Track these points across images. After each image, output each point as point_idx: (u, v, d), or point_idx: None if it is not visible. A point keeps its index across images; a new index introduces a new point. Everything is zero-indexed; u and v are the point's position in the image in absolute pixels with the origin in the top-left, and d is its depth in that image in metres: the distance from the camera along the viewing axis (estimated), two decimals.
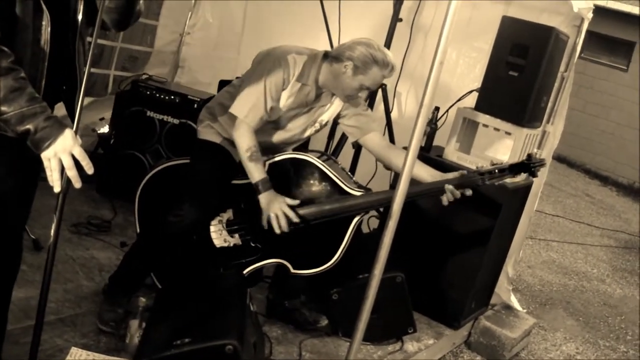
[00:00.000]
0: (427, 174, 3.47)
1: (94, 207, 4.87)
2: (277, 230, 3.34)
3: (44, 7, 2.25)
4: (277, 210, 3.31)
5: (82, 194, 4.82)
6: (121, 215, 4.82)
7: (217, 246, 3.57)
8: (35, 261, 3.82)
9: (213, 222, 3.56)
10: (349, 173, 3.73)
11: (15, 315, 3.11)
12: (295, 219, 3.34)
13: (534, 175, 3.63)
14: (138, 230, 3.75)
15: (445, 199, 3.39)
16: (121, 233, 4.56)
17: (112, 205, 4.94)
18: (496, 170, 3.44)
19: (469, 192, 3.38)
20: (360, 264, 3.62)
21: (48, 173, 2.19)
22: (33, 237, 4.02)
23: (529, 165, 3.51)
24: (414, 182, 3.36)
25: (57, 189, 2.20)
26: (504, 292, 5.06)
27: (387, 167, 3.71)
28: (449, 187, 3.35)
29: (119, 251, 4.24)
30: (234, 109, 3.36)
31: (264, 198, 3.32)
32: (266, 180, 3.33)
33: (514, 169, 3.48)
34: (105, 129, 5.39)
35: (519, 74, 4.18)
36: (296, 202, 3.39)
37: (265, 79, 3.32)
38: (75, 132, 2.21)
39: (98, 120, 5.50)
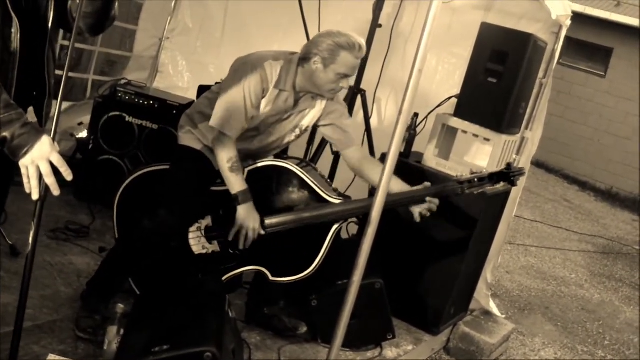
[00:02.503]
0: (397, 187, 3.45)
1: (72, 212, 4.84)
2: (241, 247, 3.38)
3: (12, 14, 2.25)
4: (250, 228, 3.35)
5: (60, 199, 4.74)
6: (99, 221, 4.79)
7: (196, 253, 3.56)
8: (12, 267, 3.78)
9: (191, 229, 3.54)
10: (328, 180, 3.73)
11: None
12: (262, 232, 3.37)
13: (513, 184, 3.65)
14: (117, 236, 3.73)
15: (417, 212, 3.41)
16: (99, 238, 4.53)
17: (90, 210, 4.91)
18: (475, 180, 3.46)
19: (436, 202, 3.42)
20: (339, 269, 3.62)
21: (25, 181, 2.16)
22: (10, 242, 3.98)
23: (508, 174, 3.53)
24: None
25: (35, 196, 2.17)
26: (483, 297, 5.07)
27: (363, 179, 3.69)
28: (430, 199, 3.38)
29: (97, 257, 4.22)
30: (214, 121, 3.34)
31: (242, 210, 3.33)
32: (246, 191, 3.33)
33: (493, 177, 3.50)
34: (83, 134, 5.36)
35: (497, 81, 4.20)
36: (270, 222, 3.41)
37: (244, 88, 3.30)
38: (53, 139, 2.19)
39: (76, 125, 5.46)
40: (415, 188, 3.45)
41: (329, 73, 3.33)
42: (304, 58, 3.37)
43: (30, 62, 2.36)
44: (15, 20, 2.26)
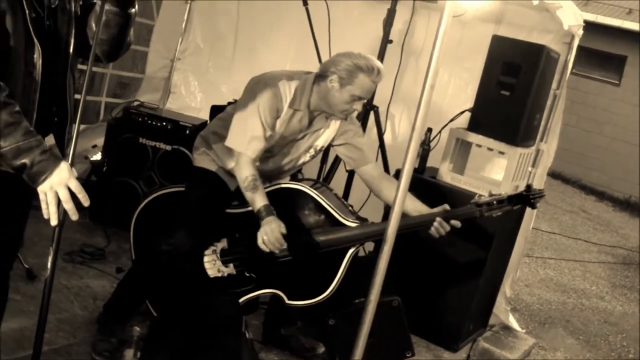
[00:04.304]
0: (413, 208, 3.42)
1: (87, 235, 4.85)
2: (267, 249, 3.23)
3: (35, 40, 2.26)
4: (275, 230, 3.20)
5: (75, 222, 4.77)
6: (115, 243, 4.79)
7: (211, 276, 3.50)
8: (28, 291, 3.79)
9: (207, 252, 3.50)
10: (344, 201, 3.70)
11: (9, 346, 3.09)
12: (284, 245, 3.26)
13: (533, 207, 3.59)
14: (133, 258, 3.73)
15: (434, 231, 3.36)
16: (115, 261, 4.53)
17: (105, 232, 4.92)
18: (494, 202, 3.41)
19: (458, 224, 3.37)
20: (356, 288, 3.58)
21: (44, 206, 2.17)
22: (26, 266, 3.99)
23: (528, 197, 3.47)
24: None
25: (54, 222, 2.18)
26: (502, 312, 5.03)
27: (378, 197, 3.66)
28: (438, 219, 3.32)
29: (113, 279, 4.21)
30: (232, 143, 3.33)
31: (266, 224, 3.22)
32: (268, 206, 3.26)
33: (512, 200, 3.44)
34: (97, 157, 5.38)
35: (510, 93, 4.18)
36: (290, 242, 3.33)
37: (259, 107, 3.29)
38: (71, 165, 2.20)
39: (90, 148, 5.50)
40: (433, 211, 3.40)
41: (344, 93, 3.30)
42: (321, 75, 3.36)
43: (51, 88, 2.38)
44: (38, 46, 2.27)
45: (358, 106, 3.38)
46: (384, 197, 3.56)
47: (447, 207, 3.39)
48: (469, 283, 4.27)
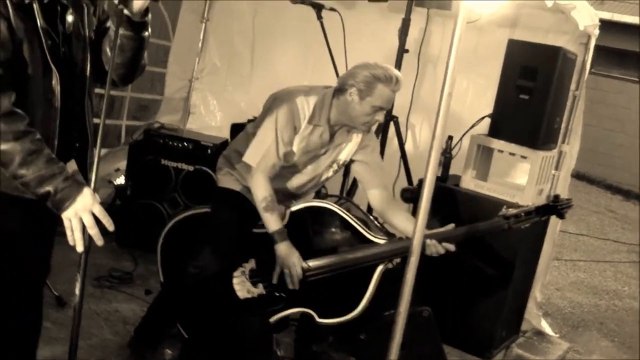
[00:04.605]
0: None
1: (115, 259, 4.87)
2: (290, 286, 3.30)
3: (52, 66, 2.29)
4: (290, 266, 3.26)
5: (102, 247, 4.78)
6: (142, 266, 4.81)
7: (241, 297, 3.47)
8: (59, 318, 3.82)
9: (235, 274, 3.47)
10: (370, 217, 3.68)
11: None
12: (300, 275, 3.28)
13: (561, 217, 3.56)
14: (162, 280, 3.74)
15: (428, 252, 3.30)
16: (143, 284, 4.55)
17: (132, 256, 4.93)
18: (522, 214, 3.37)
19: (452, 248, 3.32)
20: (386, 299, 3.56)
21: (69, 233, 2.19)
22: (56, 293, 4.02)
23: (555, 207, 3.44)
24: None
25: (79, 248, 2.19)
26: (534, 317, 4.98)
27: (386, 223, 3.62)
28: (430, 241, 3.27)
29: (143, 302, 4.23)
30: (247, 157, 3.35)
31: (280, 249, 3.27)
32: (282, 230, 3.27)
33: (540, 211, 3.40)
34: (121, 180, 5.42)
35: (529, 97, 4.15)
36: (313, 264, 3.34)
37: (276, 125, 3.30)
38: (94, 190, 2.22)
39: (113, 172, 5.54)
40: (451, 229, 3.37)
41: (364, 105, 3.30)
42: (340, 89, 3.35)
43: (70, 113, 2.40)
44: (55, 72, 2.30)
45: (380, 117, 3.38)
46: (391, 224, 3.52)
47: (452, 226, 3.36)
48: (499, 289, 4.24)
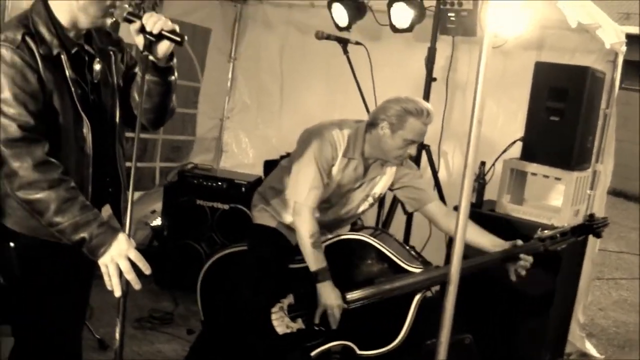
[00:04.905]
0: (490, 243, 3.41)
1: (155, 300, 4.93)
2: (333, 326, 3.30)
3: (83, 115, 2.35)
4: (333, 306, 3.27)
5: (141, 288, 4.84)
6: (182, 306, 4.85)
7: (280, 333, 3.47)
8: None
9: (274, 310, 3.48)
10: (406, 246, 3.67)
11: None
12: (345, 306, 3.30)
13: (598, 235, 3.53)
14: (202, 319, 3.76)
15: (512, 270, 3.33)
16: (184, 323, 4.59)
17: (172, 296, 4.98)
18: (558, 235, 3.37)
19: (530, 260, 3.33)
20: (426, 327, 3.55)
21: (106, 278, 2.23)
22: (98, 336, 4.06)
23: (591, 227, 3.42)
24: (478, 251, 3.36)
25: (117, 293, 2.23)
26: (578, 339, 4.92)
27: (448, 233, 3.63)
28: (523, 256, 3.29)
29: (185, 342, 4.26)
30: (291, 195, 3.38)
31: (322, 289, 3.27)
32: (325, 269, 3.28)
33: (576, 232, 3.39)
34: (158, 222, 5.48)
35: (560, 118, 4.13)
36: (350, 298, 3.35)
37: (315, 158, 3.33)
38: (128, 235, 2.25)
39: (150, 213, 5.60)
40: (505, 246, 3.37)
41: (396, 139, 3.32)
42: (372, 123, 3.38)
43: (102, 159, 2.46)
44: (86, 121, 2.36)
45: (412, 150, 3.40)
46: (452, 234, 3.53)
47: (519, 242, 3.36)
48: (541, 312, 4.18)
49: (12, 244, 2.39)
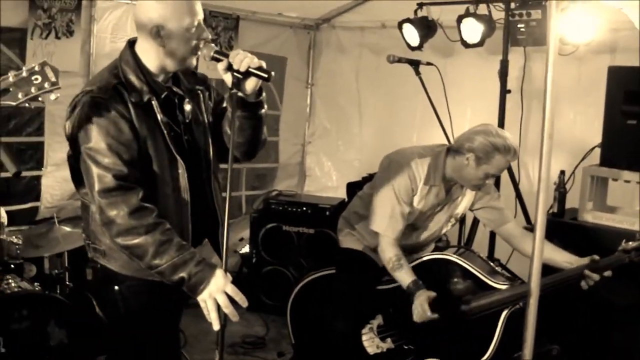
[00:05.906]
0: (562, 259, 3.40)
1: (246, 325, 5.03)
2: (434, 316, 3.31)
3: (177, 156, 2.43)
4: (425, 311, 3.29)
5: None
6: (274, 330, 4.96)
7: (371, 353, 3.54)
8: None
9: (364, 331, 3.56)
10: (491, 262, 3.69)
11: None
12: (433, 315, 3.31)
13: None
14: (293, 342, 3.86)
15: (584, 284, 3.31)
16: (276, 347, 4.69)
17: (263, 321, 5.10)
18: None
19: (608, 274, 3.29)
20: (514, 341, 3.53)
21: (206, 312, 2.31)
22: None
23: None
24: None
25: (216, 327, 2.30)
26: None
27: (523, 254, 3.62)
28: (586, 272, 3.27)
29: None
30: (374, 226, 3.44)
31: (419, 296, 3.29)
32: (417, 281, 3.32)
33: None
34: (246, 249, 5.64)
35: (637, 121, 4.06)
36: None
37: (394, 188, 3.39)
38: (225, 271, 2.32)
39: (238, 241, 5.76)
40: (583, 261, 3.34)
41: (479, 171, 3.34)
42: (456, 150, 3.40)
43: (199, 198, 2.54)
44: (180, 161, 2.44)
45: (491, 181, 3.45)
46: (528, 255, 3.52)
47: (595, 257, 3.32)
48: (633, 321, 4.11)
49: (116, 287, 2.51)
